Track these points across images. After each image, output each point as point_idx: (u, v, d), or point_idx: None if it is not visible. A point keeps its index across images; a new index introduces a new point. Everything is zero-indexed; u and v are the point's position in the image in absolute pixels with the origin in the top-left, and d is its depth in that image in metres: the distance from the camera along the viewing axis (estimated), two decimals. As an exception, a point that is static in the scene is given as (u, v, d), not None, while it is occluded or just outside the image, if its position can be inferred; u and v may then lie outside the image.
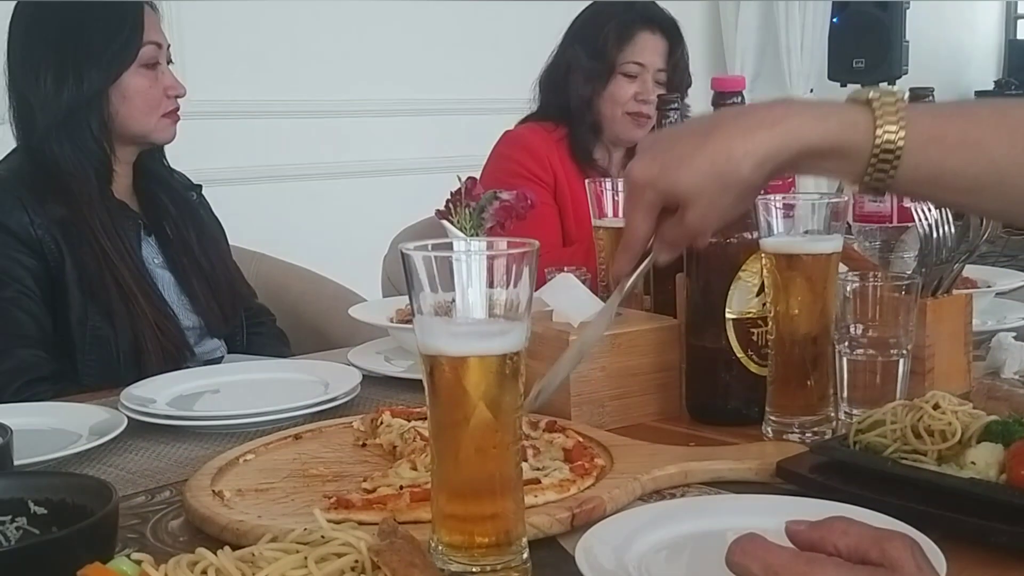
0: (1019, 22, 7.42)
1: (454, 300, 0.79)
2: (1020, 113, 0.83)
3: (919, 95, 1.49)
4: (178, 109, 1.78)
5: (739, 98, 1.17)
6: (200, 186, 1.93)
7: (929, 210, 1.23)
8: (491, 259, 0.78)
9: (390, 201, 3.53)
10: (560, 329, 1.19)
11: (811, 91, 4.96)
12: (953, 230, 1.28)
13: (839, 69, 5.11)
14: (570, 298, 1.21)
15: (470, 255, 0.80)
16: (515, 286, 0.79)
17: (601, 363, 1.19)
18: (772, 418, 1.16)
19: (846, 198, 1.12)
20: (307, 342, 1.90)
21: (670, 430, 1.20)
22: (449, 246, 0.81)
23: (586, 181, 1.48)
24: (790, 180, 1.46)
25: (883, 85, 0.83)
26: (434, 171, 3.85)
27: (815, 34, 4.83)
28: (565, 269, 1.47)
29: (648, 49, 2.27)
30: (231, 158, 3.46)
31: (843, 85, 5.24)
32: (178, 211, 1.81)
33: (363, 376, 1.36)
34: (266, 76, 3.60)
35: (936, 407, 0.99)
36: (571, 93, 2.25)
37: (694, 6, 4.84)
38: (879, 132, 0.81)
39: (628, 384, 1.21)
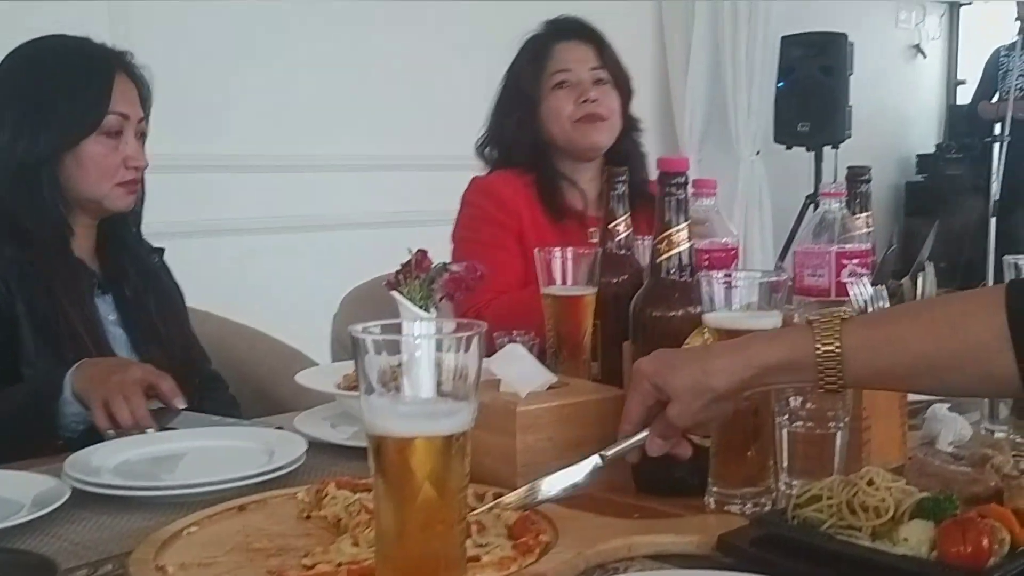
0: (959, 88, 7.64)
1: (402, 380, 0.80)
2: (932, 313, 1.02)
3: (857, 173, 1.54)
4: (137, 180, 1.78)
5: (683, 178, 1.20)
6: (162, 249, 1.93)
7: (864, 287, 1.26)
8: (439, 341, 0.80)
9: (340, 257, 3.53)
10: (508, 400, 1.21)
11: (757, 153, 5.07)
12: (887, 307, 1.32)
13: (784, 132, 5.24)
14: (518, 368, 1.22)
15: (419, 337, 0.81)
16: (463, 366, 0.81)
17: (548, 434, 1.20)
18: (714, 489, 1.18)
19: (785, 276, 1.16)
20: (254, 405, 1.89)
21: (616, 500, 1.21)
22: (397, 328, 0.82)
23: (535, 251, 1.51)
24: (733, 252, 1.50)
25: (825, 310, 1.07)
26: (385, 226, 3.88)
27: (761, 97, 4.94)
28: (516, 336, 1.49)
29: (571, 58, 2.21)
30: (176, 212, 3.44)
31: (788, 147, 5.36)
32: (139, 276, 1.82)
33: (310, 443, 1.36)
34: (215, 130, 3.60)
35: (870, 483, 1.02)
36: (516, 136, 2.21)
37: (645, 69, 4.94)
38: (818, 348, 1.00)
39: (575, 455, 1.22)
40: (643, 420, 1.11)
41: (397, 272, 1.30)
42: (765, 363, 1.02)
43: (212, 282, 1.86)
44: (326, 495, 1.11)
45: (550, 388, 1.25)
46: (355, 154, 3.94)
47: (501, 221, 2.16)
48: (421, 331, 0.82)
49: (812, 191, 4.93)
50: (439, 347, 0.80)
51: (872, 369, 1.00)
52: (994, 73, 6.37)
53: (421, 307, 1.28)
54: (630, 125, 2.30)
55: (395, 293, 1.28)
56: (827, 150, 5.25)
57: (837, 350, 0.99)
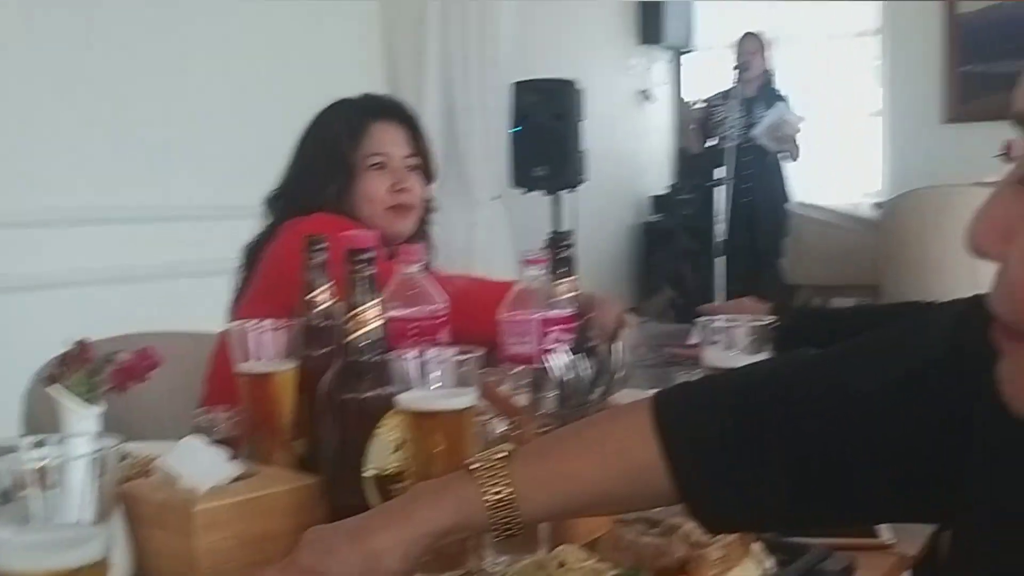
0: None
1: (25, 506, 0.71)
2: (592, 432, 0.98)
3: (558, 239, 1.55)
4: None
5: (370, 254, 1.15)
6: None
7: (561, 357, 1.26)
8: (62, 463, 0.71)
9: (36, 323, 3.20)
10: (185, 498, 1.12)
11: (499, 196, 5.14)
12: (589, 370, 1.32)
13: (522, 176, 5.34)
14: (196, 463, 1.13)
15: (38, 460, 0.72)
16: (93, 488, 0.72)
17: (233, 531, 1.12)
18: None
19: (477, 354, 1.13)
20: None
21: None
22: (12, 447, 0.72)
23: (231, 325, 1.42)
24: (442, 319, 1.47)
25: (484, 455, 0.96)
26: (92, 285, 3.58)
27: (497, 142, 5.01)
28: (219, 413, 1.40)
29: (387, 140, 2.17)
30: None
31: (528, 191, 5.48)
32: None
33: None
34: None
35: (561, 565, 1.01)
36: (320, 198, 2.09)
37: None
38: (486, 497, 0.92)
39: (268, 550, 1.14)
40: None
41: (56, 364, 1.19)
42: (433, 531, 0.92)
43: None
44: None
45: (236, 480, 1.17)
46: (50, 206, 3.58)
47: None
48: (40, 452, 0.73)
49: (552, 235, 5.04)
50: (65, 469, 0.71)
51: (548, 507, 0.94)
52: (704, 124, 6.77)
53: (86, 401, 1.17)
54: (427, 207, 2.27)
55: (50, 390, 1.16)
56: (565, 193, 5.40)
57: (510, 495, 0.91)
